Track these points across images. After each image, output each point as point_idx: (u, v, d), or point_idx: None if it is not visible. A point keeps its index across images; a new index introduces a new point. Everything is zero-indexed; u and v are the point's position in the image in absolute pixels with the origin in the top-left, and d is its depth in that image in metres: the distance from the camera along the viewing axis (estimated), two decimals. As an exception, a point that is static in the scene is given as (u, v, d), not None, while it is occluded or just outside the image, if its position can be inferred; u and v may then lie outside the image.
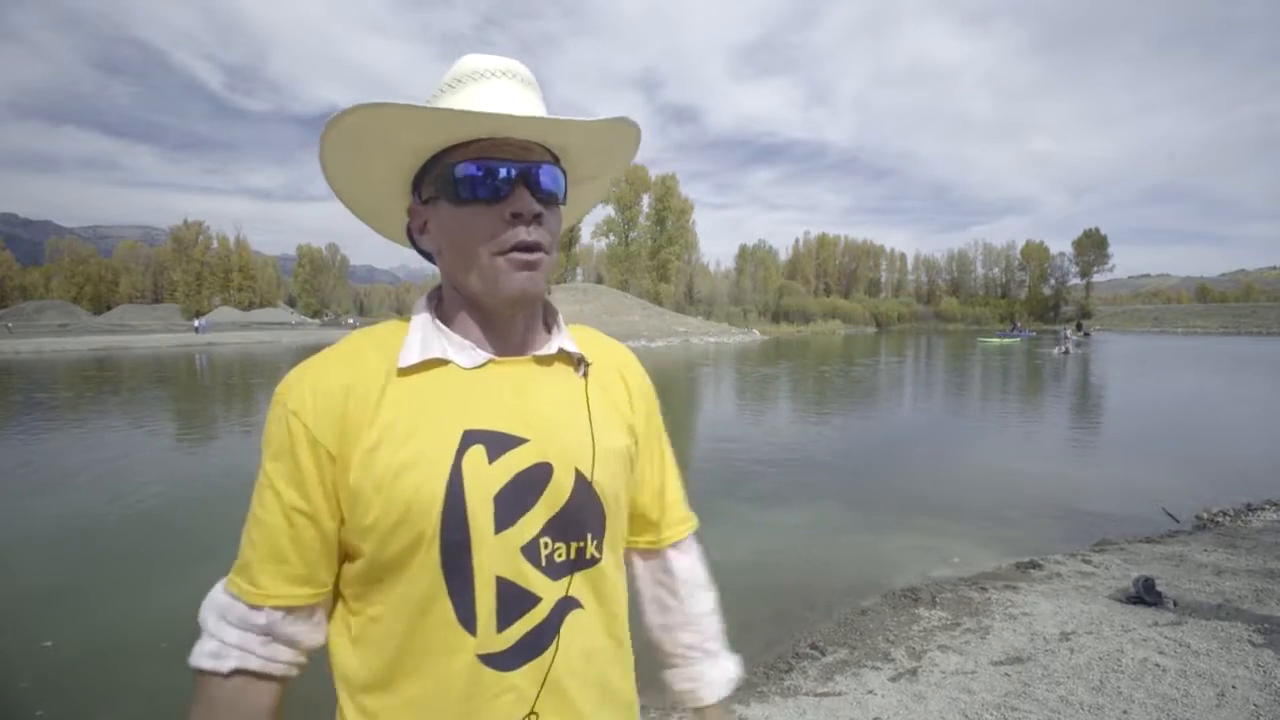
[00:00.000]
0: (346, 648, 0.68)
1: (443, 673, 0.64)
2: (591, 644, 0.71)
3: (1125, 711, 2.53)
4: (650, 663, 0.90)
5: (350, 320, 77.76)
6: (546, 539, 0.68)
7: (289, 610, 0.66)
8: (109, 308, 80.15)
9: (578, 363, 0.77)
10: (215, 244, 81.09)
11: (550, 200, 0.71)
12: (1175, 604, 3.61)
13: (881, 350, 37.11)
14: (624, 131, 0.73)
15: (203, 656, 0.65)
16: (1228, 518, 5.67)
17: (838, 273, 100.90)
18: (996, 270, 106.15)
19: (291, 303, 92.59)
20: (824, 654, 3.34)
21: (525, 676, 0.65)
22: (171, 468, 8.11)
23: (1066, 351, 29.97)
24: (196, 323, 53.97)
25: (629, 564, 0.88)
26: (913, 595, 4.04)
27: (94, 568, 4.84)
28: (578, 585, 0.70)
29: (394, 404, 0.66)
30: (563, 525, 0.69)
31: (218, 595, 0.68)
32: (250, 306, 79.81)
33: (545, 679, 0.66)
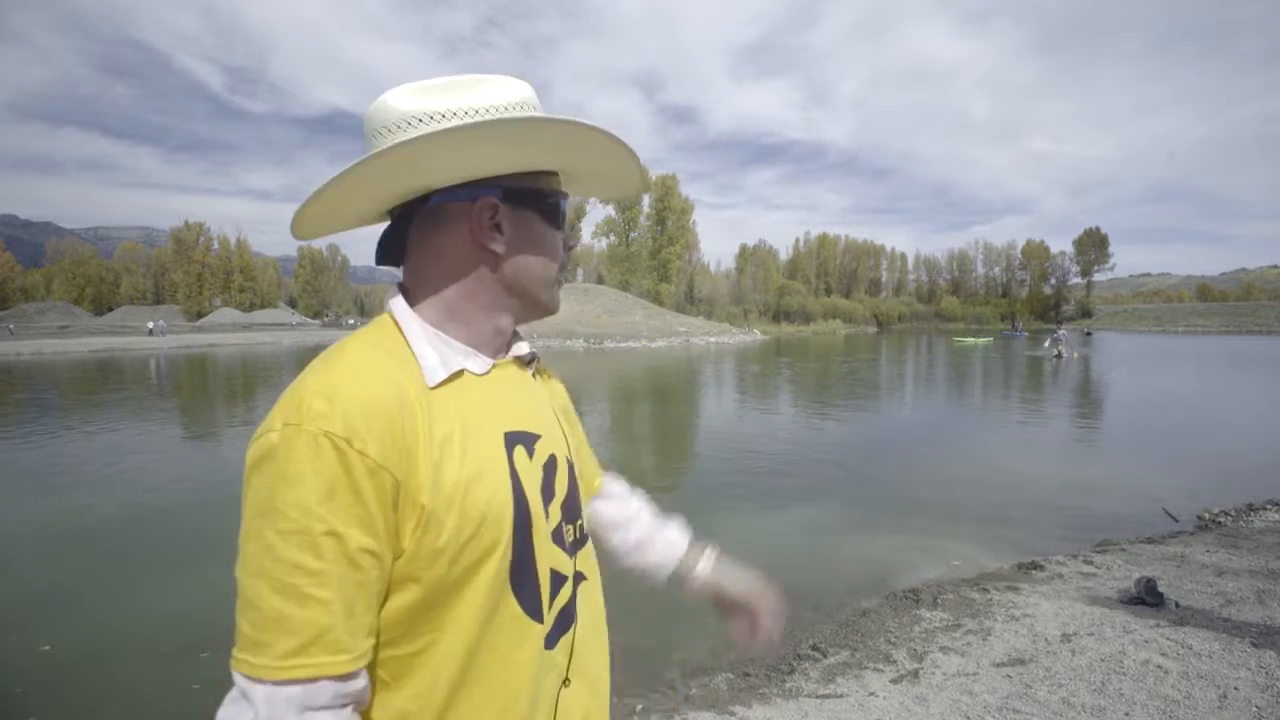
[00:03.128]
0: (388, 692, 0.62)
1: (514, 665, 0.66)
2: (596, 610, 0.79)
3: (1127, 714, 2.52)
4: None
5: (351, 321, 77.70)
6: (567, 524, 0.75)
7: (367, 668, 0.60)
8: (110, 309, 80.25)
9: (528, 362, 0.82)
10: (216, 245, 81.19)
11: None
12: (1177, 605, 3.60)
13: (882, 350, 37.11)
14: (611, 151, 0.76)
15: None
16: (1229, 518, 5.66)
17: (838, 272, 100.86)
18: (997, 270, 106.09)
19: (292, 304, 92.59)
20: (825, 655, 3.34)
21: (561, 650, 0.71)
22: (169, 468, 8.11)
23: (1059, 355, 25.25)
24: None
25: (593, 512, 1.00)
26: (914, 596, 4.03)
27: (93, 570, 4.83)
28: (582, 560, 0.78)
29: (441, 418, 0.64)
30: (570, 508, 0.77)
31: (273, 691, 0.55)
32: (251, 308, 79.86)
33: (572, 649, 0.72)
